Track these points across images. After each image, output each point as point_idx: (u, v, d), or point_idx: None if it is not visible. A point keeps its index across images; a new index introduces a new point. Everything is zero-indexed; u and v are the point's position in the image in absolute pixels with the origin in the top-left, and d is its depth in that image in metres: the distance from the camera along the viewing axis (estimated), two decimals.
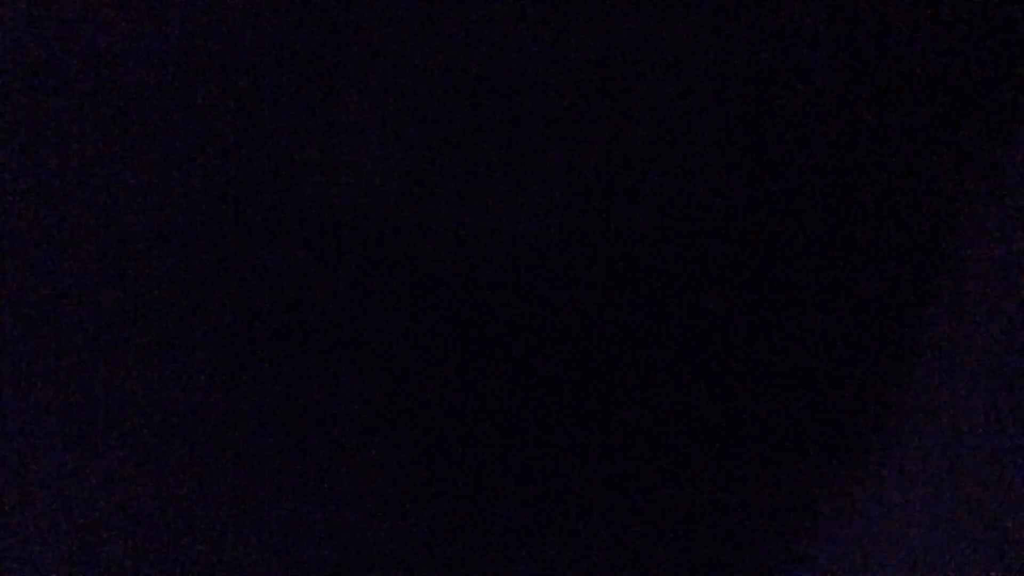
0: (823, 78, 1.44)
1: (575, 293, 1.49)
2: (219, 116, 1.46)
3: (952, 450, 1.41)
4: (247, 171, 1.47)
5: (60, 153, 1.45)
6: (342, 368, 1.51)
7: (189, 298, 1.50)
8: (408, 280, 1.49)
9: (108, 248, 1.48)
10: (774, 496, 1.48)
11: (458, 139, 1.44)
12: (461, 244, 1.47)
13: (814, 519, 1.48)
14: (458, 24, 1.39)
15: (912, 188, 1.44)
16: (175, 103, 1.46)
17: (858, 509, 1.46)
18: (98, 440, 1.50)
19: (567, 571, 1.50)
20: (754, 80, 1.45)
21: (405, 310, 1.50)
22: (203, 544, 1.51)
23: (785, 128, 1.45)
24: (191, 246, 1.50)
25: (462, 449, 1.51)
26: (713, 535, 1.49)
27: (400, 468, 1.51)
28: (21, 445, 1.49)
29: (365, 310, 1.50)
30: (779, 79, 1.45)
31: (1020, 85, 1.40)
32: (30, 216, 1.47)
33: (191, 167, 1.47)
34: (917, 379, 1.46)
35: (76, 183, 1.46)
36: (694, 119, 1.45)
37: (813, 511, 1.48)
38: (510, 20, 1.39)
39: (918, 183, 1.44)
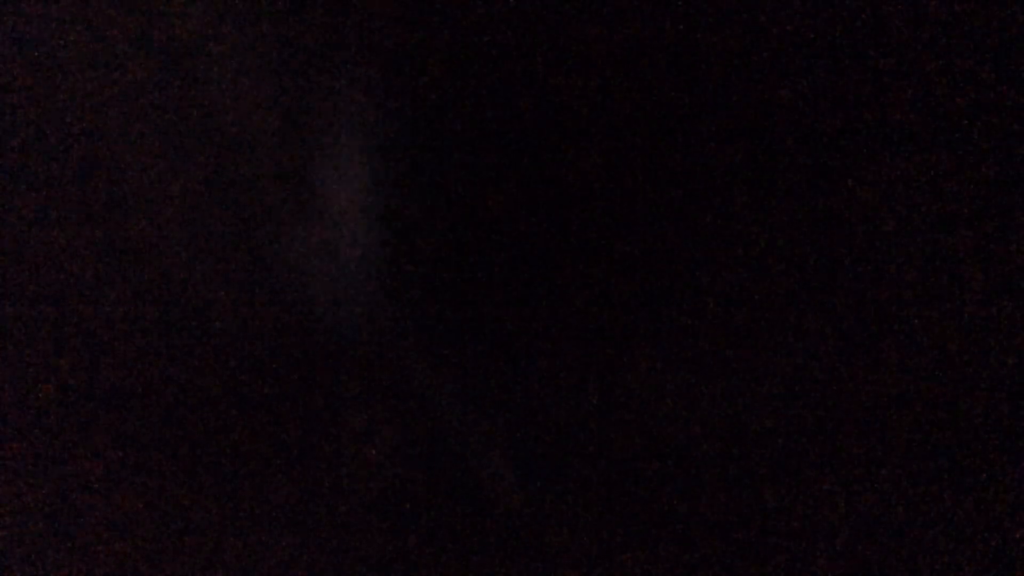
0: (822, 78, 1.44)
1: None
2: None
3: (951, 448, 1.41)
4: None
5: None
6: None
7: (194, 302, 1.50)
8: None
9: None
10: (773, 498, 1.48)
11: None
12: None
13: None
14: None
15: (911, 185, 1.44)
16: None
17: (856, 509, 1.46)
18: (98, 440, 1.50)
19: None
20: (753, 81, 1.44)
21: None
22: (202, 544, 1.51)
23: (783, 127, 1.45)
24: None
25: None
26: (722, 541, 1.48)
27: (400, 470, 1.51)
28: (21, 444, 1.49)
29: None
30: (778, 78, 1.45)
31: (1020, 85, 1.40)
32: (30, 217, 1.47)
33: None
34: (916, 378, 1.45)
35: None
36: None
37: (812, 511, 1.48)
38: None
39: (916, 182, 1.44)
